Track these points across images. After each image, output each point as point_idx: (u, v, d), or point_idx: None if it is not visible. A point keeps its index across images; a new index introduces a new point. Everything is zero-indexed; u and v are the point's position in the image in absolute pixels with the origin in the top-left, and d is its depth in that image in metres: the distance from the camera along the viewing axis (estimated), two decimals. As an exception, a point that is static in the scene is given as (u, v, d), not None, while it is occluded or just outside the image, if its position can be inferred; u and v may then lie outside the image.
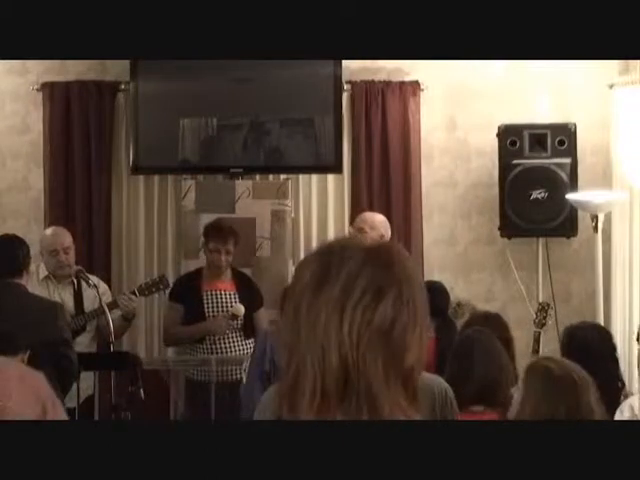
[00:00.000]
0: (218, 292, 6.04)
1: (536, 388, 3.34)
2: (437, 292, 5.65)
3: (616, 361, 4.70)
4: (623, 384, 4.65)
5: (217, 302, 6.02)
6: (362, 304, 1.55)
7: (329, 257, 1.59)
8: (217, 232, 6.06)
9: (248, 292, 6.05)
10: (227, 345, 5.97)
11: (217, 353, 5.96)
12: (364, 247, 1.61)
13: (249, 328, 5.97)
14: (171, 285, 6.18)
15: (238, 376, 5.91)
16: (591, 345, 4.54)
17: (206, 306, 6.02)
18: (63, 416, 3.93)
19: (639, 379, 4.49)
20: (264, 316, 6.09)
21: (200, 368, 5.96)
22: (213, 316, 5.99)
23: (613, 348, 4.74)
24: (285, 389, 1.57)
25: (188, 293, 6.02)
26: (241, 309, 5.90)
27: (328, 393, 1.54)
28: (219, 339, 5.96)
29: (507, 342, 4.68)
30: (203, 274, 6.13)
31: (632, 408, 3.96)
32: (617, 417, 3.99)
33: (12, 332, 4.55)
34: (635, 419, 3.91)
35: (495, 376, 3.96)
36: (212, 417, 5.67)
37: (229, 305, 5.98)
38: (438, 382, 3.46)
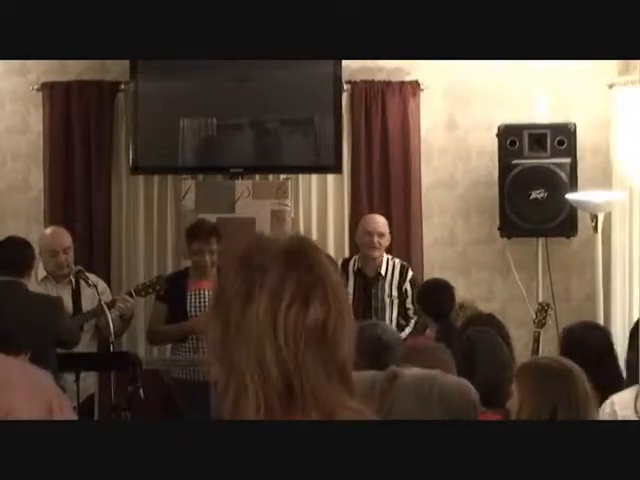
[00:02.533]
0: (202, 292, 6.03)
1: (532, 385, 3.34)
2: (442, 294, 5.62)
3: (615, 359, 4.69)
4: (623, 381, 4.65)
5: (200, 302, 6.02)
6: (293, 310, 1.55)
7: (250, 265, 1.58)
8: (198, 233, 6.04)
9: None
10: None
11: (199, 352, 5.96)
12: (281, 249, 1.59)
13: None
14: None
15: None
16: (589, 344, 4.54)
17: (189, 306, 6.01)
18: (70, 416, 3.91)
19: (626, 375, 4.49)
20: None
21: (189, 368, 5.97)
22: (195, 316, 5.98)
23: (611, 346, 4.74)
24: (227, 409, 1.56)
25: (174, 292, 6.00)
26: None
27: (272, 407, 1.54)
28: (202, 338, 5.95)
29: (505, 341, 4.68)
30: (190, 273, 6.14)
31: (612, 404, 3.96)
32: (600, 414, 3.98)
33: (14, 332, 4.55)
34: (614, 416, 3.92)
35: (498, 376, 3.95)
36: (198, 417, 5.68)
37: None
38: (465, 389, 3.43)
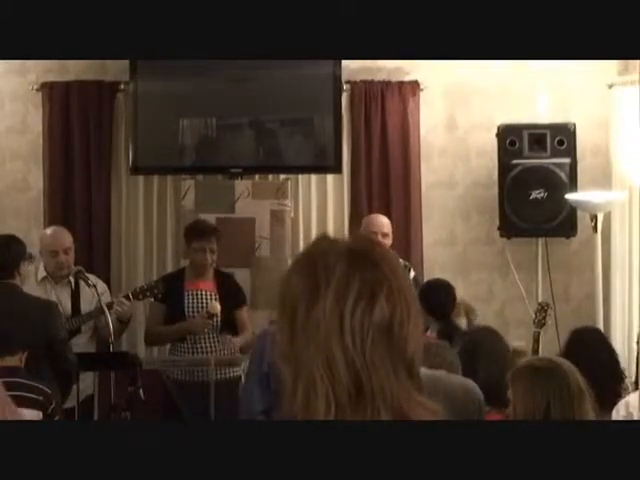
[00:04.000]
0: (199, 292, 6.04)
1: (524, 385, 3.34)
2: (444, 294, 5.62)
3: (617, 362, 4.69)
4: (623, 382, 4.65)
5: (197, 302, 6.02)
6: (359, 308, 1.55)
7: (314, 266, 1.58)
8: (200, 232, 6.06)
9: (228, 291, 6.05)
10: (208, 345, 5.97)
11: (198, 353, 5.97)
12: (346, 249, 1.60)
13: (229, 327, 5.98)
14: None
15: (228, 375, 5.93)
16: (589, 347, 4.55)
17: (186, 306, 6.01)
18: (12, 417, 3.89)
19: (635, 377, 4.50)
20: (247, 314, 6.12)
21: (187, 369, 5.96)
22: (193, 316, 5.99)
23: (612, 350, 4.74)
24: (299, 408, 1.57)
25: (170, 293, 5.99)
26: (217, 307, 5.91)
27: (342, 404, 1.55)
28: (199, 338, 5.97)
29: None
30: (186, 274, 6.14)
31: (627, 405, 3.96)
32: (614, 416, 3.98)
33: (9, 331, 4.55)
34: (630, 417, 3.91)
35: (500, 376, 3.95)
36: (193, 417, 5.69)
37: (209, 305, 5.98)
38: (470, 388, 3.42)
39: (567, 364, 3.36)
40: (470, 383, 3.48)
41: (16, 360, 4.51)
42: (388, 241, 6.38)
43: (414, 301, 1.62)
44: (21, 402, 4.17)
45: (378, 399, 1.55)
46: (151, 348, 6.76)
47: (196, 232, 6.08)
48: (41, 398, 4.41)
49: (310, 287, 1.57)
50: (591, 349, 4.52)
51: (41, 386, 4.45)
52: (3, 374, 4.28)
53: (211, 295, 6.03)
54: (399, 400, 1.56)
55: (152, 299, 6.05)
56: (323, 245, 1.63)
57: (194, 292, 6.05)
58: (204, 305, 6.01)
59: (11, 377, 4.30)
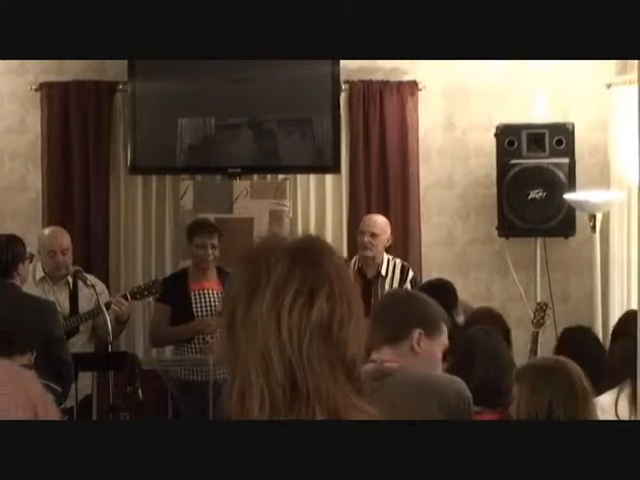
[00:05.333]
0: (206, 292, 6.04)
1: (528, 383, 3.34)
2: (444, 292, 5.62)
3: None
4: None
5: (205, 302, 6.02)
6: (297, 306, 1.54)
7: (257, 264, 1.58)
8: (200, 228, 6.10)
9: None
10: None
11: (206, 353, 5.96)
12: (290, 247, 1.59)
13: None
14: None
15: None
16: (584, 347, 4.55)
17: (195, 306, 6.01)
18: (56, 417, 3.92)
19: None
20: None
21: (192, 368, 5.96)
22: (202, 316, 5.98)
23: (602, 348, 4.75)
24: (234, 405, 1.57)
25: (176, 294, 5.99)
26: None
27: (276, 403, 1.54)
28: (208, 338, 5.96)
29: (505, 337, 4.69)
30: (189, 274, 6.13)
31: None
32: None
33: (15, 331, 4.54)
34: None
35: (497, 376, 3.94)
36: (196, 417, 5.68)
37: (217, 304, 5.98)
38: (460, 388, 3.39)
39: (572, 364, 3.36)
40: (459, 382, 3.47)
41: (25, 359, 4.50)
42: (379, 241, 6.30)
43: (357, 304, 1.60)
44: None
45: (313, 399, 1.54)
46: (150, 348, 6.76)
47: (197, 228, 6.11)
48: (53, 397, 4.41)
49: (251, 285, 1.57)
50: (581, 348, 4.52)
51: (53, 385, 4.45)
52: None
53: (218, 295, 6.03)
54: (335, 402, 1.55)
55: (150, 299, 6.05)
56: (268, 244, 1.62)
57: (201, 292, 6.04)
58: (212, 305, 6.01)
59: None
